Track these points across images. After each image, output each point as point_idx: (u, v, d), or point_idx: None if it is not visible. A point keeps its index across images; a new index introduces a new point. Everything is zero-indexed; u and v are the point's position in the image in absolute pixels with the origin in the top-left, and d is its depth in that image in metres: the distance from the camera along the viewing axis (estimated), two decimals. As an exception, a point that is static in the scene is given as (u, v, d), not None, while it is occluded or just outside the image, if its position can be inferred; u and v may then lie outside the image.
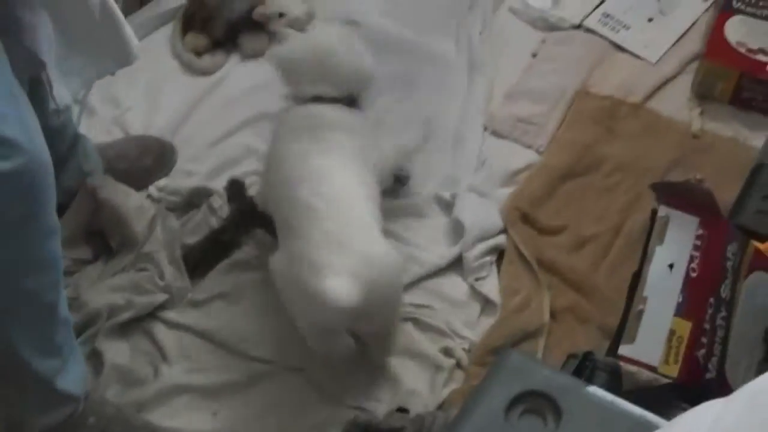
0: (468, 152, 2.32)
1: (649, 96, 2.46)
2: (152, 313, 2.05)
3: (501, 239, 2.14)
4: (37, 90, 1.74)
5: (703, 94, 2.45)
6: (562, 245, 2.12)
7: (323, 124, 1.96)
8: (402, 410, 1.86)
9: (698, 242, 1.76)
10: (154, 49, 2.57)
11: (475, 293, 2.07)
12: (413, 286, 2.08)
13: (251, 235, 2.16)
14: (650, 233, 1.79)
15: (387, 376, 1.94)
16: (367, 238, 1.80)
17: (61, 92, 1.77)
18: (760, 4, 2.59)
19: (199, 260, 2.14)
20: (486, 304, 2.05)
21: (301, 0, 2.57)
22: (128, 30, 1.87)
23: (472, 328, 2.01)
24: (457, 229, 2.16)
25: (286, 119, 2.02)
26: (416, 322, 2.02)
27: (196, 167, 2.31)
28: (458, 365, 1.96)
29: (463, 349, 1.98)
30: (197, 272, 2.13)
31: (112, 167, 2.23)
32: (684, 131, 2.36)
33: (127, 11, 2.54)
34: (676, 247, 1.75)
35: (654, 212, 1.81)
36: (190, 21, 2.57)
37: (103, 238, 2.16)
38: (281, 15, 2.53)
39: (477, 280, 2.08)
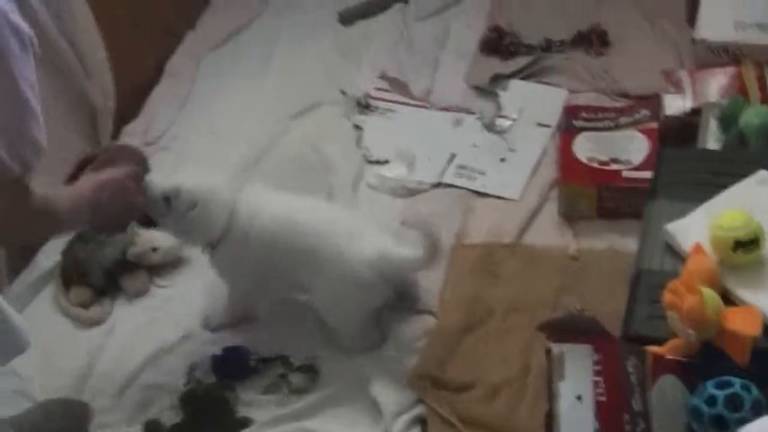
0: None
1: (522, 232, 2.55)
2: None
3: (419, 408, 2.16)
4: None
5: (570, 216, 2.55)
6: (477, 398, 2.15)
7: None
8: None
9: (597, 367, 1.80)
10: (41, 312, 2.57)
11: (410, 469, 2.08)
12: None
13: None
14: (550, 372, 1.84)
15: None
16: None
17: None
18: (599, 117, 2.73)
19: None
20: (423, 477, 2.06)
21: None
22: (18, 319, 1.90)
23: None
24: (374, 410, 2.18)
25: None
26: None
27: (111, 419, 2.30)
28: None
29: None
30: None
31: (26, 439, 2.21)
32: (562, 256, 2.45)
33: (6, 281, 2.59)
34: (578, 379, 1.80)
35: (548, 351, 1.86)
36: (69, 276, 2.60)
37: None
38: (154, 249, 2.57)
39: (408, 455, 2.09)
